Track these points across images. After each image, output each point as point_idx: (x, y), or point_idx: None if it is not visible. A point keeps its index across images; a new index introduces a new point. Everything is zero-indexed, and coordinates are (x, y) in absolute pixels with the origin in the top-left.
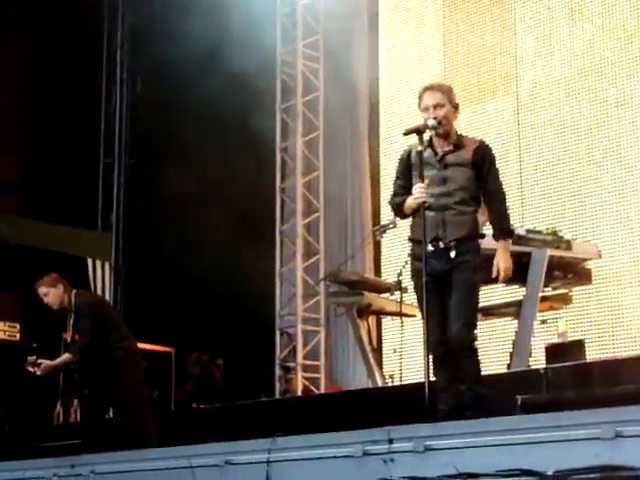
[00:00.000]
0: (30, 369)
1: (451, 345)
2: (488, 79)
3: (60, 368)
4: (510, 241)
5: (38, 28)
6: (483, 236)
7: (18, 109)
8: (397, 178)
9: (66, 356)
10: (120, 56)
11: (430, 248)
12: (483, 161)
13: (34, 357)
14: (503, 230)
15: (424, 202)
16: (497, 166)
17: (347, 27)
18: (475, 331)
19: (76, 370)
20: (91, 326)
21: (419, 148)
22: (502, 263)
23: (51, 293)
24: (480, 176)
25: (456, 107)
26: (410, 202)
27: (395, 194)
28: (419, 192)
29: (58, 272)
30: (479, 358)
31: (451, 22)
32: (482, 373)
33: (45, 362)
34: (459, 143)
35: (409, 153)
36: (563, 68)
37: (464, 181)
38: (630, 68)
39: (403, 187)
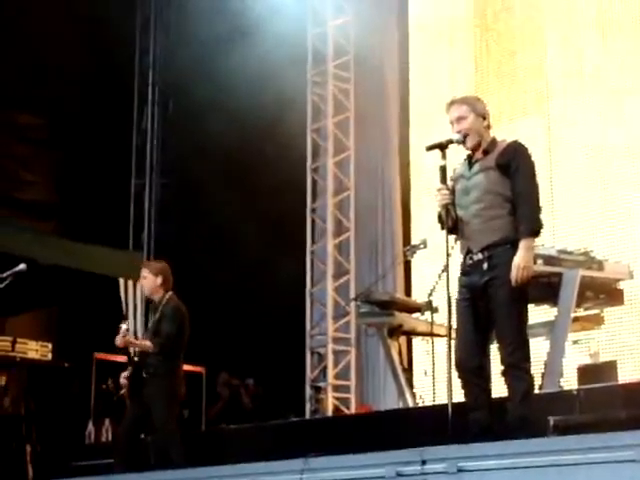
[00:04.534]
0: (119, 338)
1: (504, 365)
2: (519, 98)
3: (137, 348)
4: (534, 241)
5: (69, 49)
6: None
7: (50, 130)
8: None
9: (149, 343)
10: (152, 76)
11: (468, 261)
12: (509, 161)
13: (126, 327)
14: (525, 229)
15: (446, 204)
16: (529, 165)
17: (378, 48)
18: (523, 350)
19: (133, 373)
20: (175, 332)
21: (442, 163)
22: (517, 261)
23: (148, 279)
24: (508, 176)
25: (484, 116)
26: (438, 210)
27: None
28: (440, 194)
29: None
30: (529, 378)
31: (482, 42)
32: (531, 394)
33: (130, 338)
34: (489, 149)
35: (455, 169)
36: (594, 87)
37: (490, 185)
38: None
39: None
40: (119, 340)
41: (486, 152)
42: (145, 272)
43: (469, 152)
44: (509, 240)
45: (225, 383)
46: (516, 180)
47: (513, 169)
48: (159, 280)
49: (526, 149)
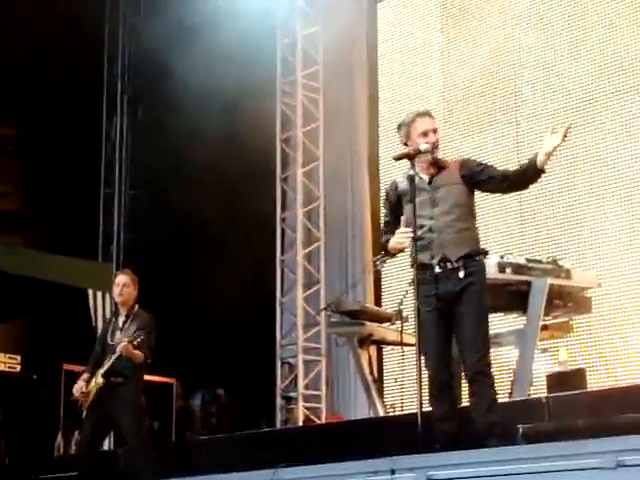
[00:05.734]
0: (124, 345)
1: (466, 372)
2: (488, 108)
3: (133, 357)
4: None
5: (39, 58)
6: (486, 253)
7: (19, 140)
8: (384, 215)
9: (141, 355)
10: (121, 86)
11: (438, 270)
12: (473, 169)
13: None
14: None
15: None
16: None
17: (347, 58)
18: (489, 357)
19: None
20: (154, 343)
21: (410, 173)
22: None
23: (131, 289)
24: (477, 183)
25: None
26: (393, 245)
27: (384, 232)
28: (403, 236)
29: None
30: (494, 385)
31: (451, 52)
32: (496, 401)
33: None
34: (442, 165)
35: (396, 185)
36: (563, 98)
37: (458, 198)
38: (629, 99)
39: (390, 224)
40: (120, 347)
41: (441, 168)
42: (128, 281)
43: (418, 167)
44: (480, 251)
45: (180, 395)
46: (493, 172)
47: (480, 172)
48: (136, 292)
49: None
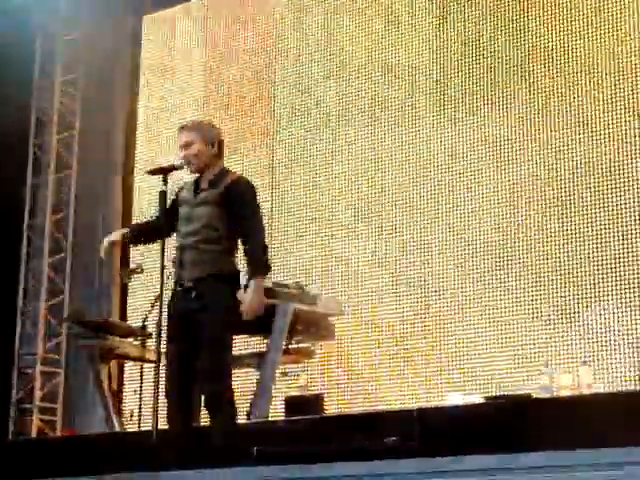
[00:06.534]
0: None
1: (204, 392)
2: (244, 130)
3: None
4: (263, 280)
5: None
6: (233, 278)
7: None
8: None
9: None
10: None
11: (178, 288)
12: (235, 197)
13: None
14: (252, 271)
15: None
16: (255, 204)
17: (108, 66)
18: (228, 379)
19: None
20: None
21: (162, 189)
22: (250, 298)
23: None
24: (232, 213)
25: (213, 144)
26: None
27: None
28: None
29: None
30: (233, 408)
31: (213, 71)
32: (234, 423)
33: None
34: (218, 180)
35: (176, 190)
36: (319, 125)
37: (210, 219)
38: (384, 122)
39: (142, 222)
40: None
41: (213, 183)
42: None
43: (196, 178)
44: (218, 274)
45: None
46: (242, 216)
47: (237, 206)
48: None
49: (253, 187)
